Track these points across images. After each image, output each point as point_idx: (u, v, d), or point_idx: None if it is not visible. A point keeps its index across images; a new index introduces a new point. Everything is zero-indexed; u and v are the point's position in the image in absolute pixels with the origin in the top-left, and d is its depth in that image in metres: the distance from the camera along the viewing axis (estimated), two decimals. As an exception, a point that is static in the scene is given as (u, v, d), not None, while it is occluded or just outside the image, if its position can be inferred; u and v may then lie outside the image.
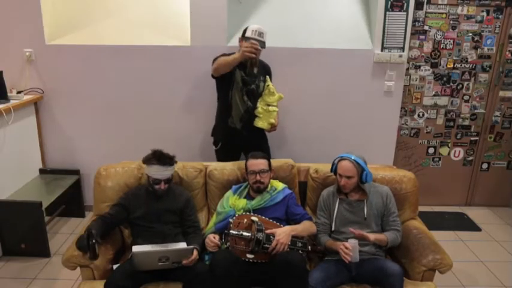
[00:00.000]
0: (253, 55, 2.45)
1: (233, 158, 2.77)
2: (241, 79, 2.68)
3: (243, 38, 2.62)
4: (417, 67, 3.50)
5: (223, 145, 2.89)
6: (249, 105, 2.72)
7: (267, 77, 2.77)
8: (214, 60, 2.66)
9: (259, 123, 2.73)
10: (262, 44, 2.57)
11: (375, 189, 2.29)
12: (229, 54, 2.60)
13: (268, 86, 2.73)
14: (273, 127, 2.76)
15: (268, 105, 2.71)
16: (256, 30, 2.57)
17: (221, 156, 2.89)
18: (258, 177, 2.28)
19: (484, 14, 3.39)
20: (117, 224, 2.31)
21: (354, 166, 2.19)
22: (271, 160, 2.44)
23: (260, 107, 2.73)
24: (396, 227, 2.24)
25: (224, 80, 2.72)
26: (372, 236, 2.11)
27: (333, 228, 2.27)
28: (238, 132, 2.75)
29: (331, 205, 2.31)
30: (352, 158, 2.20)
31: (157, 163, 2.19)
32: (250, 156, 2.36)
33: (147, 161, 2.22)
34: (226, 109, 2.73)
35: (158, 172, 2.19)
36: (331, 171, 2.33)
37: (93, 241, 1.92)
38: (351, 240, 2.06)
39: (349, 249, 2.04)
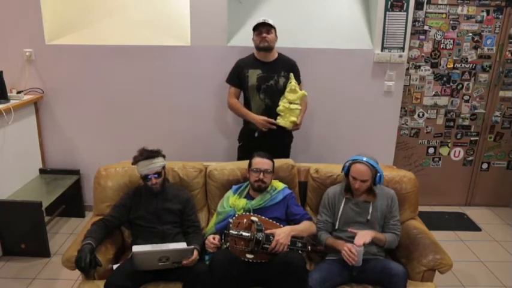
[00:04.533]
0: (264, 129, 2.70)
1: None
2: (256, 78, 2.71)
3: (254, 31, 2.70)
4: (417, 67, 3.50)
5: (244, 145, 2.92)
6: (267, 103, 2.74)
7: (291, 74, 2.75)
8: (228, 79, 2.86)
9: (281, 121, 2.71)
10: (272, 26, 2.68)
11: (381, 192, 2.28)
12: (237, 80, 2.80)
13: (290, 83, 2.71)
14: (295, 126, 2.74)
15: (290, 103, 2.69)
16: (263, 18, 2.67)
17: (242, 155, 2.90)
18: (261, 176, 2.27)
19: (484, 14, 3.39)
20: (119, 226, 2.31)
21: (369, 169, 2.16)
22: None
23: (282, 104, 2.70)
24: (396, 231, 2.25)
25: (240, 84, 2.79)
26: (370, 236, 2.09)
27: (336, 227, 2.27)
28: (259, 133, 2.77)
29: (336, 204, 2.30)
30: (365, 160, 2.18)
31: (141, 159, 2.21)
32: (256, 155, 2.35)
33: (135, 161, 2.23)
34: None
35: (144, 167, 2.20)
36: (342, 171, 2.32)
37: (94, 266, 2.00)
38: (356, 245, 2.05)
39: (354, 254, 2.03)
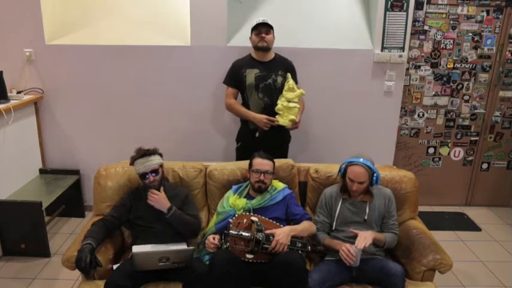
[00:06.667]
0: (266, 128, 2.70)
1: None
2: (254, 77, 2.72)
3: (253, 30, 2.72)
4: (417, 67, 3.50)
5: (243, 145, 2.91)
6: (266, 102, 2.74)
7: (288, 74, 2.76)
8: (226, 80, 2.86)
9: (280, 120, 2.71)
10: (271, 26, 2.70)
11: (378, 191, 2.28)
12: (234, 80, 2.80)
13: (288, 82, 2.72)
14: (294, 124, 2.75)
15: (289, 101, 2.70)
16: (263, 19, 2.69)
17: (240, 155, 2.90)
18: (262, 177, 2.27)
19: (484, 14, 3.39)
20: (119, 226, 2.31)
21: (366, 171, 2.15)
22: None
23: (280, 103, 2.71)
24: (395, 230, 2.26)
25: (238, 84, 2.78)
26: (371, 238, 2.08)
27: (333, 227, 2.27)
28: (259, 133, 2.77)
29: (333, 204, 2.30)
30: (361, 161, 2.17)
31: (138, 157, 2.23)
32: (257, 155, 2.35)
33: (132, 160, 2.25)
34: None
35: (141, 165, 2.21)
36: (339, 174, 2.32)
37: (94, 267, 1.99)
38: (355, 246, 2.05)
39: (353, 254, 2.03)
